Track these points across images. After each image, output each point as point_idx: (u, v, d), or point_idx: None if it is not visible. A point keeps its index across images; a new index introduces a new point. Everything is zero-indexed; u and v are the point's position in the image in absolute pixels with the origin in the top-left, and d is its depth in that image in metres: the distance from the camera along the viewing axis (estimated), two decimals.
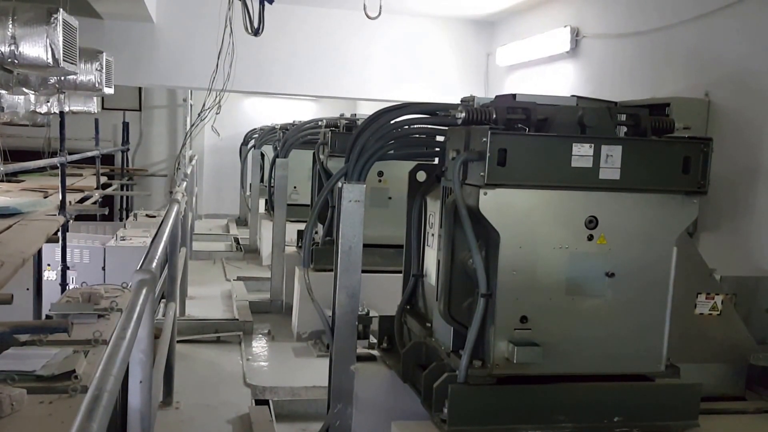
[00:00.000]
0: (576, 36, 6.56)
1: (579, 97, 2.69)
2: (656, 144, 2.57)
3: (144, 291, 2.06)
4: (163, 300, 4.35)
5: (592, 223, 2.52)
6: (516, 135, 2.46)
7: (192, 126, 10.78)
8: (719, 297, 3.01)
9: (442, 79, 8.80)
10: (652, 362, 2.63)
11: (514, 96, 2.61)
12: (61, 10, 4.37)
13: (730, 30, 4.33)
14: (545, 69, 7.28)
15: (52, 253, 7.10)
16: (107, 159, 12.20)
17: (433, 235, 2.95)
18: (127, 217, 10.61)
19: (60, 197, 6.60)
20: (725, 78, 4.29)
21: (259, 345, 5.55)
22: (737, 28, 4.27)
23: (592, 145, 2.46)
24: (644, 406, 2.62)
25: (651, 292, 2.60)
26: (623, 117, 2.60)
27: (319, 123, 6.05)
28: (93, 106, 9.06)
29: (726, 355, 3.09)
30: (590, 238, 2.52)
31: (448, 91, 8.25)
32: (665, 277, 2.60)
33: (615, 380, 2.62)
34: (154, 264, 2.53)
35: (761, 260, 3.83)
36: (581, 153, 2.46)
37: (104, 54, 6.35)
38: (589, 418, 2.59)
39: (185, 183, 6.21)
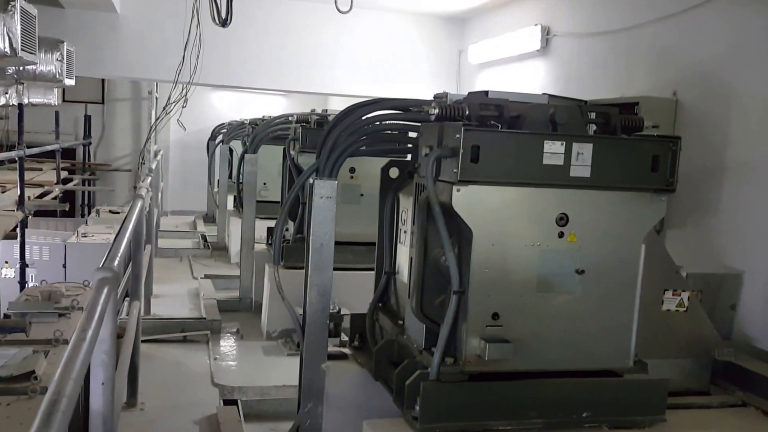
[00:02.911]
0: (546, 34, 6.64)
1: (551, 96, 2.73)
2: (626, 142, 2.63)
3: (105, 290, 2.01)
4: (127, 298, 4.29)
5: (562, 220, 2.57)
6: (489, 132, 2.49)
7: (157, 119, 10.61)
8: (686, 293, 3.10)
9: (413, 75, 8.82)
10: (621, 358, 2.69)
11: (486, 93, 2.64)
12: None
13: (698, 30, 4.44)
14: (516, 67, 7.35)
15: (10, 250, 6.96)
16: (68, 153, 11.96)
17: (405, 232, 2.96)
18: (89, 213, 10.43)
19: (18, 192, 6.46)
20: (692, 78, 4.40)
21: (228, 344, 5.49)
22: (705, 28, 4.38)
23: (564, 142, 2.51)
24: (613, 402, 2.68)
25: (620, 288, 2.66)
26: (593, 115, 2.65)
27: (290, 118, 6.00)
28: (53, 98, 8.87)
29: (691, 351, 3.18)
30: (561, 235, 2.57)
31: (419, 88, 8.28)
32: (634, 274, 2.66)
33: (584, 376, 2.68)
34: (117, 261, 2.48)
35: (726, 257, 3.93)
36: (553, 150, 2.50)
37: (65, 44, 6.23)
38: (559, 413, 2.64)
39: (150, 178, 6.11)
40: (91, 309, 1.90)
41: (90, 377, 2.06)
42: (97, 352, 2.07)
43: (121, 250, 2.77)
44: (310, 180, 3.25)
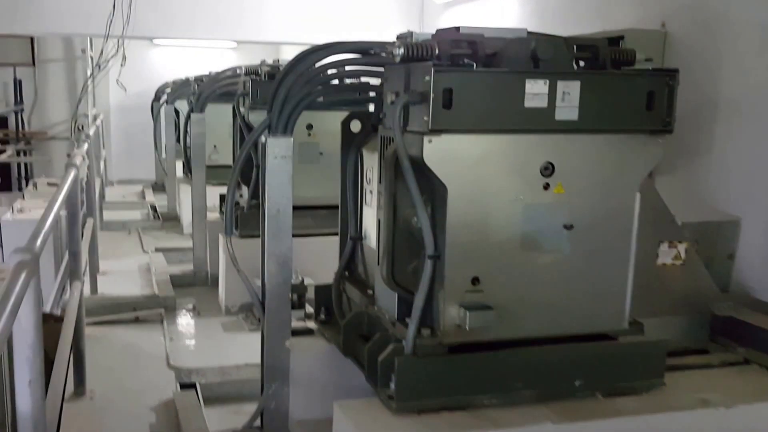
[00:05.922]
0: None
1: (529, 32, 2.58)
2: (617, 78, 2.52)
3: (23, 275, 1.85)
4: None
5: (548, 170, 2.48)
6: (463, 72, 2.35)
7: (89, 77, 10.19)
8: (682, 245, 3.02)
9: (372, 16, 8.58)
10: (615, 320, 2.64)
11: (457, 29, 2.50)
12: None
13: None
14: (486, 3, 7.18)
15: None
16: None
17: (371, 192, 2.89)
18: (26, 186, 10.11)
19: None
20: (683, 7, 4.26)
21: (184, 322, 5.48)
22: None
23: (547, 81, 2.39)
24: (607, 368, 2.63)
25: (613, 244, 2.58)
26: (579, 49, 2.53)
27: (238, 71, 5.86)
28: None
29: (689, 307, 3.14)
30: (546, 186, 2.49)
31: (379, 30, 8.03)
32: (628, 227, 2.58)
33: (575, 341, 2.61)
34: (39, 242, 2.32)
35: (720, 203, 3.86)
36: (535, 91, 2.39)
37: None
38: (549, 383, 2.59)
39: (86, 145, 5.85)
40: (5, 298, 1.73)
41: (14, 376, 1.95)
42: (20, 347, 1.96)
43: (46, 228, 2.62)
44: (262, 138, 3.11)
